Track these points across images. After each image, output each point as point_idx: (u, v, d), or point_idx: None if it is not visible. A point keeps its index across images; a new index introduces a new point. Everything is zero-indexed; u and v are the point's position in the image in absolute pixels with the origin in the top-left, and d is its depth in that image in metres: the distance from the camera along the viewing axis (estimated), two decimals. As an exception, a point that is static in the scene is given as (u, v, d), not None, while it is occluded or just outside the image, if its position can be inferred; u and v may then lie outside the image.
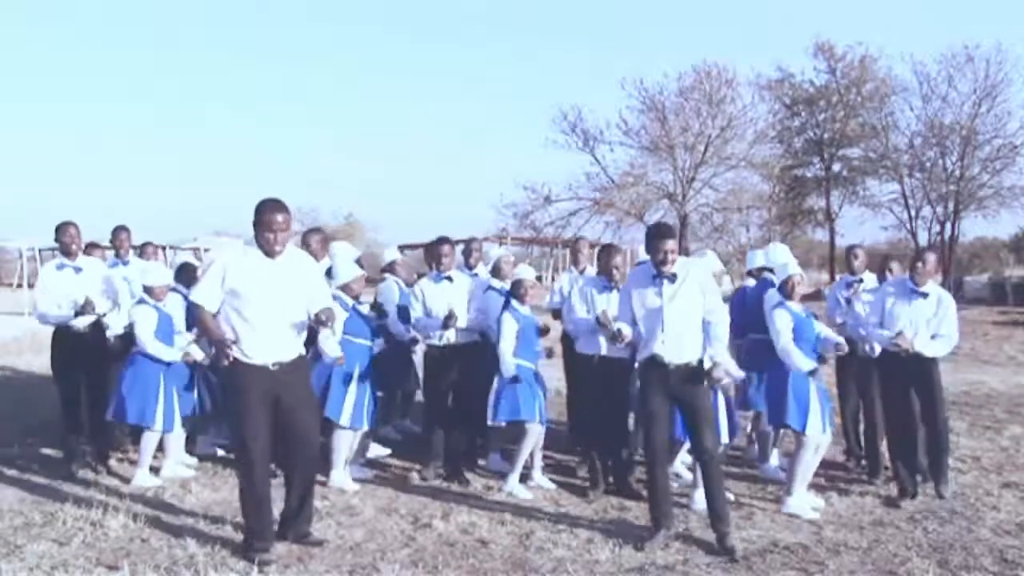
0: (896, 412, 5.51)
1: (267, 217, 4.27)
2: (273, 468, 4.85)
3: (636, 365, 5.01)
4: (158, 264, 6.39)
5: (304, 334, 4.62)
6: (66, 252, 5.97)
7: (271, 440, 4.46)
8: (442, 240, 6.02)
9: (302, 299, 4.49)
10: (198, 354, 5.88)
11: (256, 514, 4.39)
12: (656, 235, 4.73)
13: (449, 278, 5.91)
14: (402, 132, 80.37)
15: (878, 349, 5.57)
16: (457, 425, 5.93)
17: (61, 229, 5.95)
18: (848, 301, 6.11)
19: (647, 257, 4.90)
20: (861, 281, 6.23)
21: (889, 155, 28.35)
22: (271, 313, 4.37)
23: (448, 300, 5.78)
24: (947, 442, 5.58)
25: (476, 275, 6.34)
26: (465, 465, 5.99)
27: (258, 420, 4.37)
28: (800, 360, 5.16)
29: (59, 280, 5.91)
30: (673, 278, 4.66)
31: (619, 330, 4.70)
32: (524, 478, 5.70)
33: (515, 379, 5.54)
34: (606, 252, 5.80)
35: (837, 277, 27.29)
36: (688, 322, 4.67)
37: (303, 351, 4.60)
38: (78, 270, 5.94)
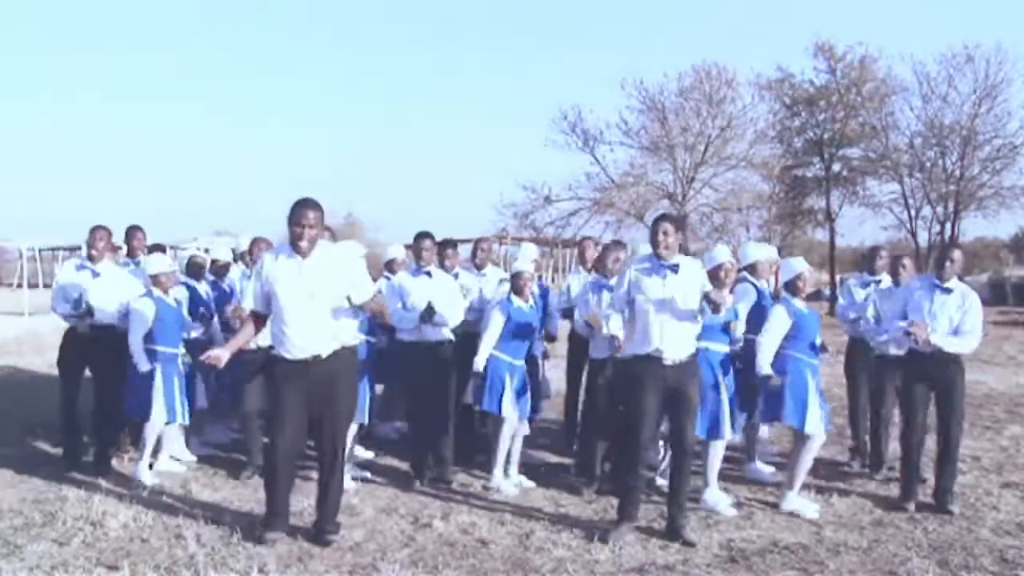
0: (914, 415, 5.39)
1: (294, 214, 4.43)
2: None
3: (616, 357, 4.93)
4: (160, 255, 6.42)
5: (349, 324, 4.65)
6: (89, 255, 6.06)
7: (301, 431, 4.64)
8: (423, 235, 5.99)
9: (336, 295, 4.55)
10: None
11: (271, 498, 4.60)
12: (656, 219, 4.85)
13: (428, 273, 5.88)
14: (402, 132, 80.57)
15: (902, 348, 5.54)
16: (435, 424, 5.86)
17: (91, 232, 6.06)
18: (866, 299, 6.12)
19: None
20: (879, 281, 6.24)
21: (889, 155, 28.31)
22: (302, 309, 4.47)
23: (426, 295, 5.74)
24: (957, 455, 5.42)
25: (484, 275, 6.33)
26: (459, 463, 6.00)
27: (288, 412, 4.55)
28: (764, 362, 5.17)
29: (76, 279, 6.00)
30: (676, 269, 4.67)
31: (608, 320, 4.74)
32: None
33: (495, 371, 5.52)
34: (604, 250, 5.81)
35: (838, 277, 27.38)
36: (687, 316, 4.69)
37: (345, 343, 4.61)
38: (96, 274, 6.01)
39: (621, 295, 4.79)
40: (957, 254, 5.37)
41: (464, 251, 7.13)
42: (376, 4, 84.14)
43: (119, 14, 78.82)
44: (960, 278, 5.43)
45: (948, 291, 5.27)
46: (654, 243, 4.70)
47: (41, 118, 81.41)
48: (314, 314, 4.48)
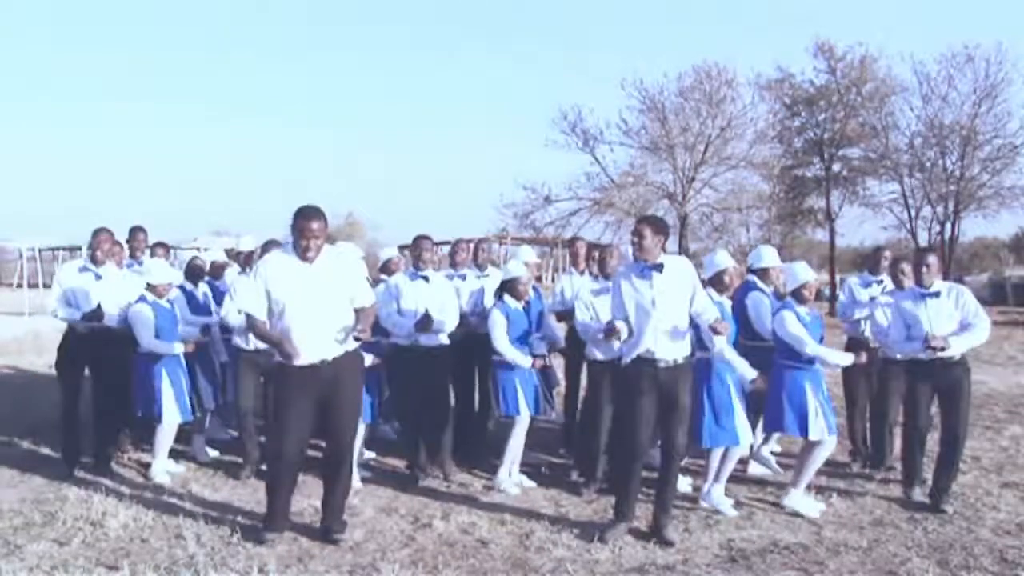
0: (916, 415, 5.38)
1: (301, 224, 4.45)
2: None
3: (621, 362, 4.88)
4: (163, 262, 6.44)
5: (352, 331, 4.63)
6: (93, 258, 6.05)
7: (307, 436, 4.68)
8: (422, 238, 5.94)
9: (342, 299, 4.57)
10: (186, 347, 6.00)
11: (273, 501, 4.62)
12: (636, 221, 4.89)
13: (425, 277, 5.83)
14: (402, 132, 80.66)
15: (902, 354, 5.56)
16: (431, 426, 5.85)
17: (94, 235, 6.04)
18: (871, 299, 6.10)
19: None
20: (881, 282, 6.22)
21: (889, 155, 28.29)
22: (309, 314, 4.47)
23: (422, 300, 5.71)
24: (959, 458, 5.42)
25: (487, 275, 6.31)
26: (461, 463, 5.99)
27: (297, 418, 4.55)
28: (835, 356, 5.30)
29: (78, 282, 5.98)
30: (660, 268, 4.68)
31: (613, 325, 4.70)
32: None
33: (504, 375, 5.52)
34: (602, 253, 5.83)
35: (838, 277, 27.37)
36: (678, 317, 4.68)
37: (347, 347, 4.60)
38: (98, 277, 6.00)
39: (617, 302, 4.81)
40: (932, 259, 5.40)
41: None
42: (376, 4, 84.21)
43: (119, 14, 78.88)
44: (960, 279, 5.45)
45: (936, 294, 5.29)
46: (632, 244, 4.75)
47: (41, 118, 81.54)
48: (321, 318, 4.48)
